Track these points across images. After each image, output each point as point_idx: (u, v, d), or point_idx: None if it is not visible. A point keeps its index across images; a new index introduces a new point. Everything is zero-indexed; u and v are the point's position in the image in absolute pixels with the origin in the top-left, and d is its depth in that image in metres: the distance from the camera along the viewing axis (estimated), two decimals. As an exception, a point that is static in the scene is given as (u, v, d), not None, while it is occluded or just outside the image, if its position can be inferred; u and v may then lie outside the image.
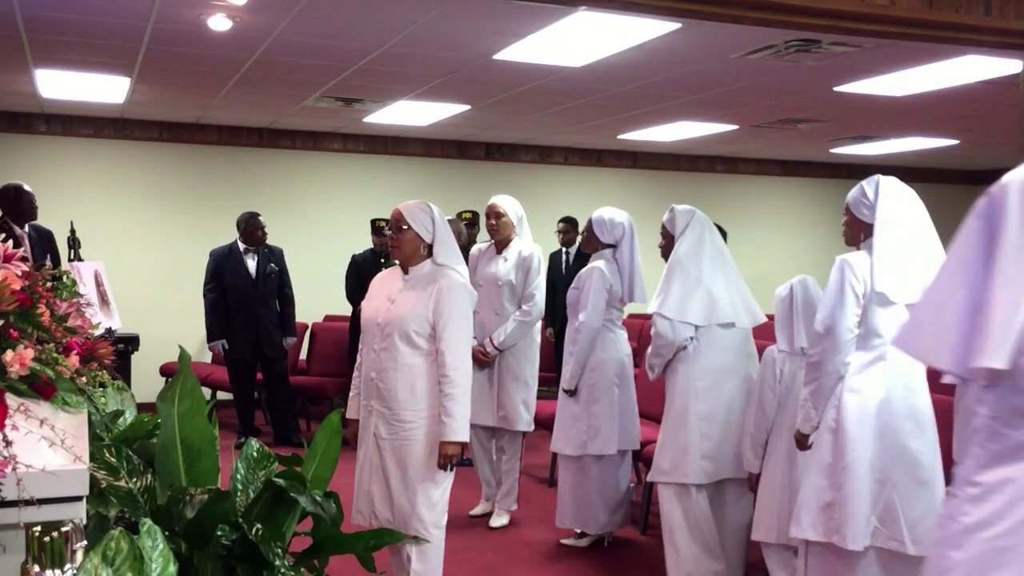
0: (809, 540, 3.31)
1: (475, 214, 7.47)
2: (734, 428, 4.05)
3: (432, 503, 3.47)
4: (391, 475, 3.49)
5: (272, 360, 7.30)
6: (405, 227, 3.50)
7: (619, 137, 9.52)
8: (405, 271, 3.58)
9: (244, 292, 7.16)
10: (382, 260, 7.46)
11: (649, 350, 4.17)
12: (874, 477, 3.19)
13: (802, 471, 3.46)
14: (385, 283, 3.64)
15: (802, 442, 3.42)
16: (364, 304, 3.66)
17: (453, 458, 3.43)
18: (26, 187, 5.96)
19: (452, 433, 3.40)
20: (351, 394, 3.73)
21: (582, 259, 6.31)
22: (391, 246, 3.56)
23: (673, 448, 4.07)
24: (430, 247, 3.54)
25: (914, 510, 3.20)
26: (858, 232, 3.35)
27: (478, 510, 5.42)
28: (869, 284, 3.21)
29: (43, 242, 6.02)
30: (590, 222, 4.84)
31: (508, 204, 5.24)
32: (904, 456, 3.21)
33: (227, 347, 7.21)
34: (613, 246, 4.78)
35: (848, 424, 3.20)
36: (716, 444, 4.03)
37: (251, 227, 7.23)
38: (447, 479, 3.53)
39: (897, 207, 3.26)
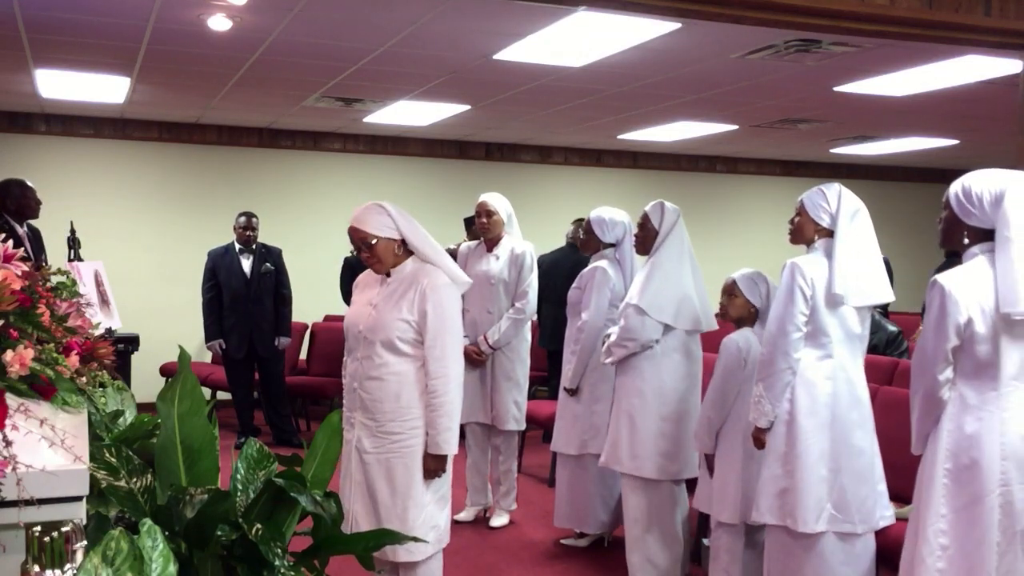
0: (767, 524, 3.53)
1: None
2: (689, 430, 4.19)
3: (424, 519, 3.30)
4: (378, 491, 3.30)
5: (266, 360, 7.30)
6: (373, 242, 3.30)
7: (619, 137, 9.52)
8: (388, 274, 3.41)
9: (238, 292, 7.16)
10: None
11: (613, 337, 4.23)
12: (827, 467, 3.42)
13: (760, 458, 3.62)
14: (367, 286, 3.46)
15: (759, 438, 3.55)
16: (348, 310, 3.51)
17: (436, 472, 3.30)
18: (28, 183, 5.94)
19: (433, 446, 3.27)
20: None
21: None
22: (369, 265, 3.37)
23: (632, 442, 4.19)
24: (403, 243, 3.35)
25: (859, 493, 3.45)
26: (811, 233, 3.54)
27: (462, 515, 5.30)
28: (817, 286, 3.42)
29: (38, 241, 6.01)
30: (589, 223, 4.84)
31: (498, 202, 5.19)
32: (851, 445, 3.44)
33: (224, 347, 7.22)
34: (613, 245, 4.79)
35: (800, 417, 3.43)
36: (674, 443, 4.17)
37: (235, 226, 7.27)
38: (443, 498, 3.38)
39: (855, 218, 3.49)
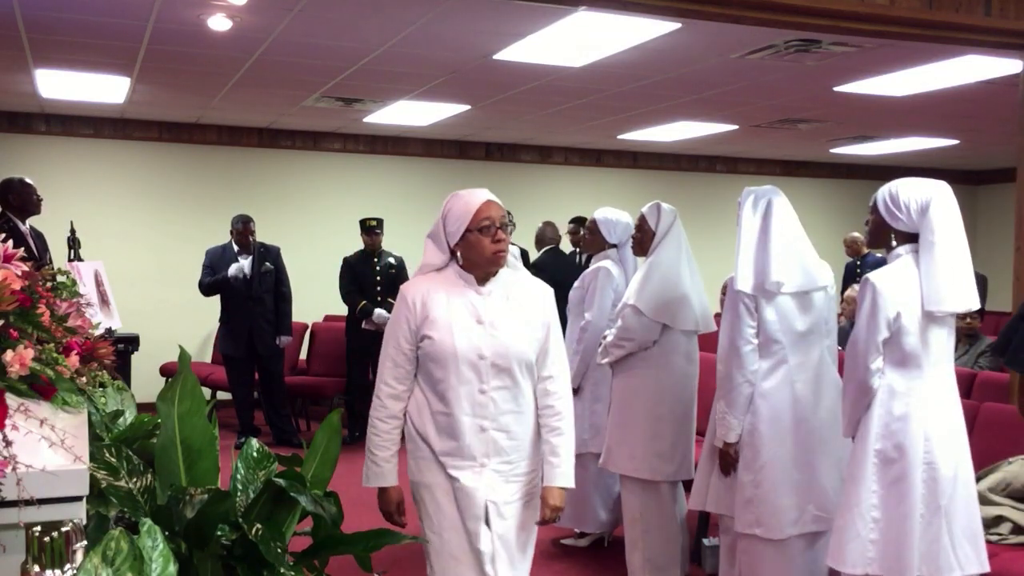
0: (738, 532, 3.59)
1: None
2: (686, 431, 4.21)
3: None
4: (514, 547, 2.82)
5: (266, 359, 7.29)
6: (511, 228, 2.88)
7: (619, 137, 9.52)
8: (481, 281, 2.75)
9: (239, 291, 7.16)
10: (375, 260, 7.46)
11: (610, 337, 4.23)
12: (800, 471, 3.48)
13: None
14: (452, 299, 2.73)
15: (729, 452, 3.58)
16: (435, 331, 2.69)
17: (562, 509, 2.83)
18: (28, 180, 5.94)
19: (565, 478, 2.76)
20: (382, 453, 2.76)
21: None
22: (499, 252, 2.70)
23: (629, 444, 4.20)
24: None
25: (833, 485, 3.51)
26: None
27: None
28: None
29: (42, 242, 6.00)
30: (595, 223, 4.84)
31: None
32: (819, 444, 3.50)
33: (245, 272, 7.14)
34: (615, 246, 4.79)
35: (761, 426, 3.48)
36: (671, 444, 4.16)
37: (232, 229, 7.26)
38: None
39: (759, 208, 3.56)
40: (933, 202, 2.95)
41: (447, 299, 2.73)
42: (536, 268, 7.02)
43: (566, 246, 8.03)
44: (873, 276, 3.00)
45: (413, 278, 2.84)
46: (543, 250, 7.35)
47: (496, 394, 2.70)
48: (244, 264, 7.12)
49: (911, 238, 3.00)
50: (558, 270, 6.79)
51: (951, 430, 3.02)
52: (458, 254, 2.75)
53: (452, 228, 2.73)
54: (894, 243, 3.04)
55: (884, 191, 3.06)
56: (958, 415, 3.06)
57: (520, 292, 2.78)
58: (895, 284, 2.96)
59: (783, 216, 3.53)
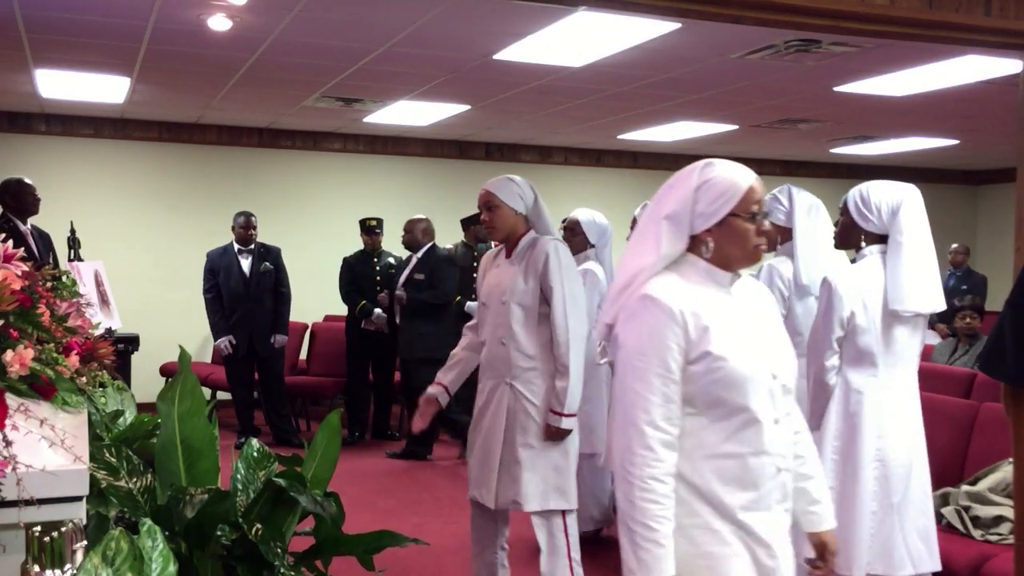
0: None
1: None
2: None
3: None
4: None
5: (265, 359, 7.29)
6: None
7: (619, 137, 9.52)
8: (731, 281, 2.14)
9: (237, 291, 7.17)
10: (375, 260, 7.46)
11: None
12: None
13: None
14: (715, 304, 2.06)
15: None
16: (721, 347, 2.00)
17: None
18: (27, 180, 5.94)
19: (833, 516, 2.38)
20: (664, 527, 1.95)
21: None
22: (764, 245, 2.12)
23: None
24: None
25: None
26: (774, 235, 3.72)
27: None
28: (791, 286, 3.62)
29: (45, 242, 6.01)
30: (578, 223, 4.86)
31: (503, 188, 3.91)
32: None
33: (234, 343, 7.19)
34: (593, 246, 4.83)
35: None
36: None
37: (235, 226, 7.28)
38: None
39: (810, 212, 3.69)
40: (903, 204, 3.02)
41: (711, 304, 2.05)
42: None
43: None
44: (831, 275, 3.09)
45: (655, 278, 2.06)
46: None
47: (786, 423, 2.10)
48: (225, 341, 7.19)
49: (880, 239, 3.08)
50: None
51: (908, 429, 3.10)
52: (708, 243, 2.06)
53: (708, 208, 2.04)
54: (863, 244, 3.12)
55: (855, 192, 3.14)
56: (916, 415, 3.14)
57: (755, 297, 2.19)
58: (853, 283, 3.06)
59: (827, 219, 3.65)
